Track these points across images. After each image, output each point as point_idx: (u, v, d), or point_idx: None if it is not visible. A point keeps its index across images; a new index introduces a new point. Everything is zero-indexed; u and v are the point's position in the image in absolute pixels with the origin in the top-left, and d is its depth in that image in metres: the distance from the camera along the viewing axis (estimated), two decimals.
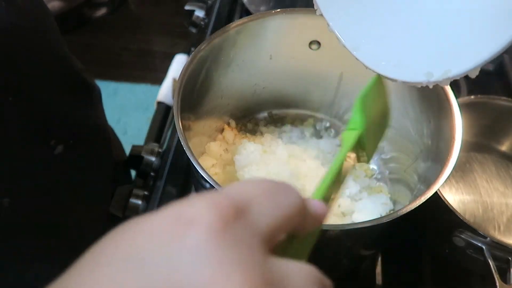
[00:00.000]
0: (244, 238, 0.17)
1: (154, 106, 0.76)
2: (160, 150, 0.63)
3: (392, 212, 0.37)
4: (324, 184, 0.26)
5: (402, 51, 0.37)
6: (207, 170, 0.38)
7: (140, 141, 0.70)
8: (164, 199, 0.57)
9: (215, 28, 0.62)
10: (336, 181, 0.28)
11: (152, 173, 0.63)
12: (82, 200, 0.57)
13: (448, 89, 0.44)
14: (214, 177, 0.38)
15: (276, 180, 0.21)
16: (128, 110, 1.77)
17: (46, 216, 0.51)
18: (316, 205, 0.22)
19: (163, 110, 0.74)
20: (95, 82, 0.64)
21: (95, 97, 0.62)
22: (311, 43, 0.54)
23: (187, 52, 0.82)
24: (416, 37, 0.36)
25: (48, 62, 0.48)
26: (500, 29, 0.30)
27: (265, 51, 0.54)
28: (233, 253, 0.16)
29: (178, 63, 0.78)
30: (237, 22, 0.50)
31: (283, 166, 0.52)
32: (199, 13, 0.88)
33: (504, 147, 0.63)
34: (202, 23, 0.87)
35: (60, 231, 0.53)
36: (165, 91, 0.74)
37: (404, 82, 0.36)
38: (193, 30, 0.90)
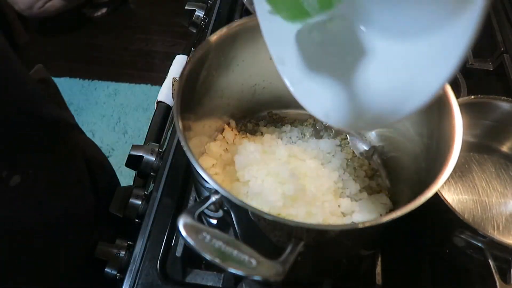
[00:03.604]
0: None
1: (154, 106, 0.76)
2: (160, 150, 0.63)
3: (392, 212, 0.37)
4: None
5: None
6: (207, 170, 0.38)
7: (140, 141, 0.70)
8: (164, 199, 0.57)
9: (215, 28, 0.62)
10: None
11: (152, 173, 0.63)
12: (54, 242, 0.53)
13: (448, 89, 0.44)
14: (214, 177, 0.38)
15: None
16: (128, 110, 1.77)
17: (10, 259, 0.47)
18: None
19: (163, 110, 0.74)
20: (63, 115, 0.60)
21: (61, 131, 0.58)
22: None
23: (187, 52, 0.82)
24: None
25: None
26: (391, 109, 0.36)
27: (265, 51, 0.54)
28: None
29: (178, 63, 0.78)
30: (237, 22, 0.50)
31: (283, 166, 0.52)
32: (199, 13, 0.88)
33: (503, 148, 0.63)
34: (202, 23, 0.87)
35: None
36: (165, 91, 0.74)
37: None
38: (193, 30, 0.90)
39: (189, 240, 0.32)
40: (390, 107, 0.36)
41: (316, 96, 0.44)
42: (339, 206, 0.51)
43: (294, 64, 0.45)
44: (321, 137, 0.60)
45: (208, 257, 0.32)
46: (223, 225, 0.45)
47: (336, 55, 0.43)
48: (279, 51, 0.45)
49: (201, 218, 0.49)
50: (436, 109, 0.46)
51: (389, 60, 0.38)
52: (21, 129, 0.47)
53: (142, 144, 0.67)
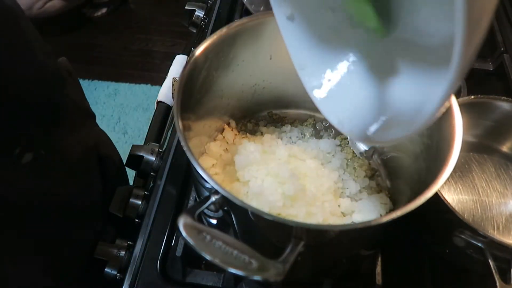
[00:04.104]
0: None
1: (154, 106, 0.76)
2: (160, 150, 0.63)
3: (392, 212, 0.37)
4: None
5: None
6: (207, 170, 0.38)
7: (140, 141, 0.70)
8: (164, 199, 0.57)
9: (215, 28, 0.62)
10: None
11: (152, 173, 0.63)
12: (64, 217, 0.54)
13: None
14: (214, 177, 0.38)
15: None
16: (128, 110, 1.77)
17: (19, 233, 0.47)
18: None
19: (163, 110, 0.74)
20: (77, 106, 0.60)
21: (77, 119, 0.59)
22: None
23: (187, 52, 0.82)
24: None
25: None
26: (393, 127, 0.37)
27: (265, 51, 0.54)
28: None
29: (178, 63, 0.78)
30: (237, 22, 0.50)
31: (283, 166, 0.52)
32: (199, 13, 0.88)
33: (503, 147, 0.63)
34: (202, 23, 0.88)
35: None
36: (165, 91, 0.74)
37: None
38: (193, 30, 0.90)
39: (189, 240, 0.32)
40: (400, 123, 0.37)
41: (333, 103, 0.45)
42: (339, 206, 0.51)
43: (313, 69, 0.45)
44: (321, 137, 0.61)
45: (208, 257, 0.32)
46: (223, 225, 0.45)
47: (356, 63, 0.43)
48: (299, 56, 0.46)
49: (201, 218, 0.49)
50: None
51: (405, 74, 0.38)
52: (37, 110, 0.48)
53: (142, 144, 0.67)
